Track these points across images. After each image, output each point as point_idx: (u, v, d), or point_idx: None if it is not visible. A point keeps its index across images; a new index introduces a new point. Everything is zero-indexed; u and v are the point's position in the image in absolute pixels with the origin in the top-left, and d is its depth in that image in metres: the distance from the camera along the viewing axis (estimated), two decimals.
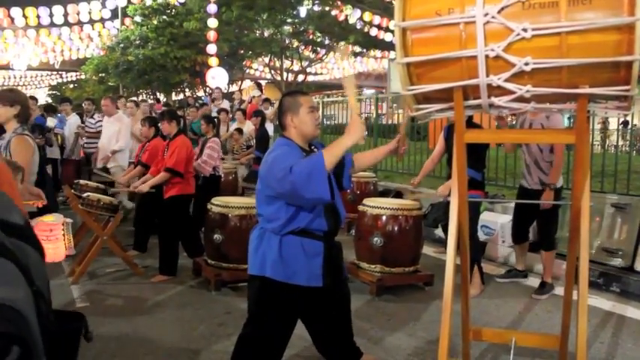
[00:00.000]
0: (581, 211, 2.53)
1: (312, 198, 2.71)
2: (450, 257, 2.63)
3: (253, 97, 12.61)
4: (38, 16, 19.64)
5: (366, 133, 2.77)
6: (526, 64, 2.06)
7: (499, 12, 2.05)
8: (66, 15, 19.90)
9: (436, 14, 2.13)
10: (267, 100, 12.30)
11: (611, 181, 6.67)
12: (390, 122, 13.48)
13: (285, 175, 2.66)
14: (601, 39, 1.99)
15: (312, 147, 3.16)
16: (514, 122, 6.29)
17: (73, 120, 10.66)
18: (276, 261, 2.92)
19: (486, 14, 2.06)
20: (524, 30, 2.03)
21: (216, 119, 8.68)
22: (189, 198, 6.12)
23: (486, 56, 2.09)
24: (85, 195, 5.92)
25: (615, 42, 1.98)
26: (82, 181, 6.79)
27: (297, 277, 2.94)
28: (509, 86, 2.14)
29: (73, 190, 6.28)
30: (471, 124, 5.17)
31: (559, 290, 5.13)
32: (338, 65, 29.77)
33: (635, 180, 6.38)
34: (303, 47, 23.85)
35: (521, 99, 2.19)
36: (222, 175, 7.83)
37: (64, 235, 3.54)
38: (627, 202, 5.80)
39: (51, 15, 19.74)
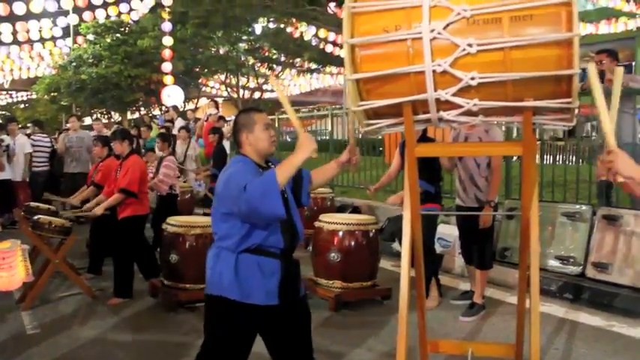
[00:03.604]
0: (531, 220, 2.59)
1: (267, 215, 2.71)
2: (405, 271, 2.65)
3: (210, 115, 12.48)
4: None
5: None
6: (472, 78, 2.12)
7: (445, 28, 2.10)
8: (15, 33, 19.37)
9: (384, 31, 2.17)
10: (221, 117, 12.21)
11: (562, 190, 6.85)
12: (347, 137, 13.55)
13: (240, 194, 2.64)
14: (542, 54, 2.06)
15: (270, 163, 3.14)
16: None
17: (24, 140, 10.41)
18: (232, 280, 2.88)
19: (432, 30, 2.10)
20: (470, 45, 2.08)
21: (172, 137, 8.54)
22: (144, 218, 6.01)
23: (434, 71, 2.13)
24: (35, 217, 5.76)
25: (556, 56, 2.05)
26: (32, 204, 6.59)
27: (253, 296, 2.90)
28: (457, 100, 2.19)
29: (23, 213, 6.11)
30: (424, 138, 5.24)
31: (513, 299, 5.22)
32: (295, 82, 29.88)
33: (584, 189, 6.56)
34: (258, 64, 23.92)
35: (469, 112, 2.24)
36: (179, 194, 7.73)
37: (21, 261, 3.41)
38: (577, 211, 5.96)
39: None
